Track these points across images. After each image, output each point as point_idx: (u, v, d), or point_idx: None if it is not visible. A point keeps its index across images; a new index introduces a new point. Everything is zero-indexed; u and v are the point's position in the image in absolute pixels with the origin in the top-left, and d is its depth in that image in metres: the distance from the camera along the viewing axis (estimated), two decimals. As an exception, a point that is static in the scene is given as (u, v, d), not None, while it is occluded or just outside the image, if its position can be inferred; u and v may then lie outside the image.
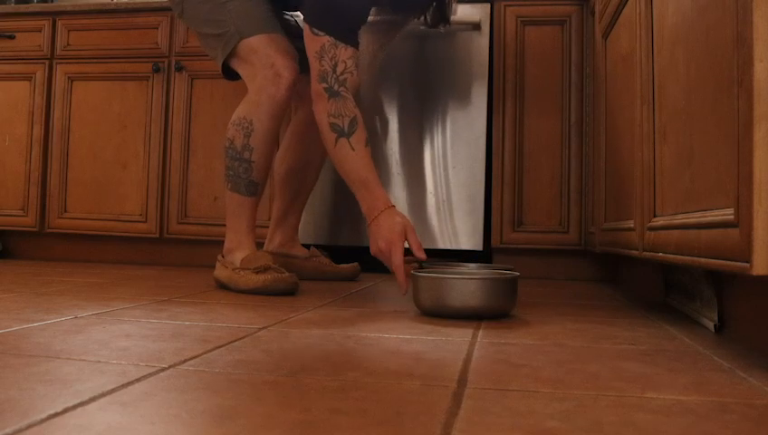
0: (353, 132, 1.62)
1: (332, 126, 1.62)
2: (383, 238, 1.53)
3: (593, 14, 2.16)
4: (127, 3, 2.77)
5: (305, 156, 2.07)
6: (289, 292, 1.63)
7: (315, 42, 1.65)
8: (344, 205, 2.42)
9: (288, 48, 1.79)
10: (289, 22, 2.00)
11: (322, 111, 1.63)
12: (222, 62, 1.83)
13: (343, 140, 1.61)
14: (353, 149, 1.61)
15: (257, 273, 1.64)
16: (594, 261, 2.30)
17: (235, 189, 1.77)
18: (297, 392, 0.71)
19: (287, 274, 1.65)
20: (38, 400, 0.65)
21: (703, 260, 0.96)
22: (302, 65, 1.98)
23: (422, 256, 1.52)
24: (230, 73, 1.87)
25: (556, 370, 0.85)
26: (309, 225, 2.43)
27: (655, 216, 1.29)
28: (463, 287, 1.28)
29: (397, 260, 1.49)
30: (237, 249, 1.76)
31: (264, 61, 1.75)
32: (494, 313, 1.29)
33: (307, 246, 2.15)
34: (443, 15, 1.94)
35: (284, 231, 2.11)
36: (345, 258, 2.18)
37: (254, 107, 1.75)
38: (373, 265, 2.36)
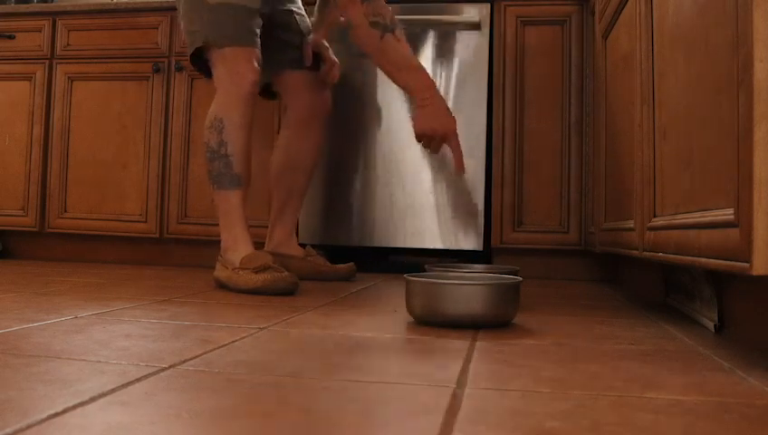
0: (395, 27, 1.81)
1: (374, 24, 1.78)
2: (440, 121, 1.76)
3: (593, 14, 2.16)
4: (127, 3, 2.77)
5: (296, 154, 2.10)
6: (288, 292, 1.63)
7: None
8: (342, 205, 2.42)
9: (256, 57, 1.86)
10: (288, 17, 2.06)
11: (358, 13, 1.78)
12: (190, 57, 1.93)
13: (389, 35, 1.79)
14: (399, 41, 1.80)
15: (256, 272, 1.64)
16: (594, 261, 2.30)
17: (220, 187, 1.81)
18: (297, 392, 0.71)
19: (286, 273, 1.65)
20: (38, 400, 0.65)
21: (703, 260, 0.96)
22: (290, 61, 2.04)
23: (461, 169, 1.77)
24: (200, 66, 1.95)
25: (556, 370, 0.85)
26: (306, 224, 2.43)
27: (655, 216, 1.29)
28: (458, 294, 1.17)
29: (456, 141, 1.75)
30: (233, 248, 1.77)
31: (229, 68, 1.84)
32: (492, 322, 1.18)
33: (303, 246, 2.15)
34: None
35: (281, 230, 2.11)
36: (342, 258, 2.18)
37: (222, 106, 1.84)
38: (370, 265, 2.37)
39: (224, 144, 1.80)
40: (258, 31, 1.90)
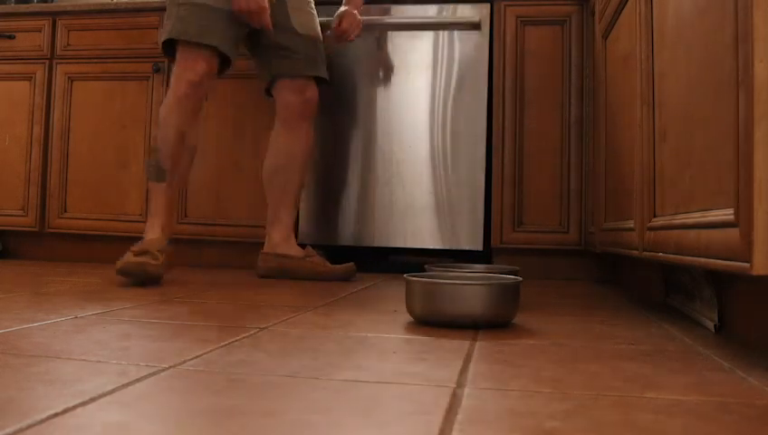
0: None
1: None
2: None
3: (593, 14, 2.16)
4: (127, 3, 2.77)
5: (285, 155, 2.13)
6: (138, 281, 1.69)
7: None
8: (342, 205, 2.42)
9: (205, 57, 1.92)
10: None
11: None
12: (162, 45, 2.00)
13: None
14: None
15: (135, 256, 1.74)
16: (594, 261, 2.30)
17: (150, 178, 1.95)
18: (297, 392, 0.71)
19: (143, 259, 1.71)
20: (38, 400, 0.65)
21: (703, 260, 0.96)
22: (279, 65, 2.10)
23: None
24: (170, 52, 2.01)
25: (556, 370, 0.85)
26: (307, 225, 2.43)
27: (655, 216, 1.29)
28: (458, 294, 1.17)
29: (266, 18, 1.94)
30: (148, 231, 1.90)
31: (177, 65, 1.94)
32: (492, 322, 1.18)
33: (304, 246, 2.15)
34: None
35: (279, 231, 2.12)
36: (342, 258, 2.18)
37: (163, 103, 1.96)
38: (370, 265, 2.37)
39: (155, 138, 1.95)
40: (229, 32, 1.93)
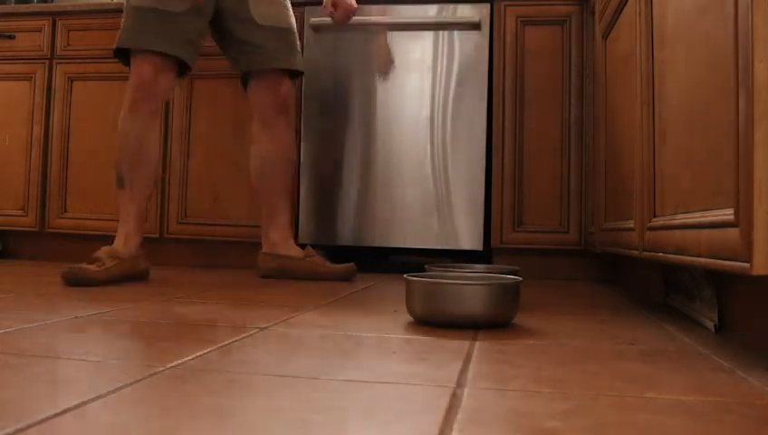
0: None
1: None
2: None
3: (593, 14, 2.16)
4: (127, 3, 2.77)
5: (267, 155, 2.10)
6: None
7: None
8: (342, 205, 2.41)
9: (154, 63, 1.90)
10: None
11: None
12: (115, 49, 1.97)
13: None
14: None
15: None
16: (594, 261, 2.30)
17: (115, 185, 1.95)
18: (297, 393, 0.71)
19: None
20: (38, 400, 0.65)
21: (703, 260, 0.96)
22: (248, 61, 2.06)
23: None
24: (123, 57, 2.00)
25: (556, 370, 0.85)
26: (307, 225, 2.43)
27: (655, 216, 1.29)
28: (458, 294, 1.17)
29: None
30: (115, 238, 1.89)
31: (132, 71, 1.92)
32: (492, 322, 1.18)
33: (304, 246, 2.15)
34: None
35: (276, 232, 2.10)
36: (342, 258, 2.18)
37: (121, 112, 1.95)
38: (370, 265, 2.37)
39: (116, 149, 1.94)
40: (178, 34, 1.91)
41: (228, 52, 2.10)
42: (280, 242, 2.10)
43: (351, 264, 2.07)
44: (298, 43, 2.12)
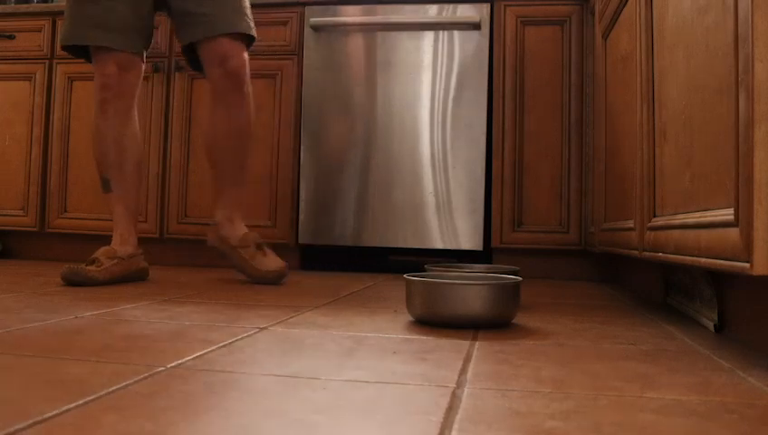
0: None
1: None
2: None
3: (593, 14, 2.16)
4: (127, 3, 2.77)
5: (218, 130, 1.93)
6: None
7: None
8: (342, 205, 2.42)
9: (120, 54, 1.84)
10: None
11: None
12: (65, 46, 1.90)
13: None
14: None
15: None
16: (594, 261, 2.30)
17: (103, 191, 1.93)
18: (297, 393, 0.71)
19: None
20: (38, 400, 0.65)
21: (703, 260, 0.96)
22: (196, 32, 1.88)
23: None
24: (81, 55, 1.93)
25: (556, 370, 0.85)
26: (307, 224, 2.43)
27: (655, 216, 1.29)
28: (458, 294, 1.17)
29: None
30: (113, 238, 1.87)
31: (98, 69, 1.86)
32: (492, 322, 1.18)
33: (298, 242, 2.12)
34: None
35: (221, 210, 1.97)
36: (342, 258, 2.18)
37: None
38: (370, 265, 2.37)
39: (95, 153, 1.91)
40: (119, 21, 1.81)
41: (176, 30, 1.95)
42: (223, 221, 1.96)
43: (283, 264, 1.90)
44: (247, 6, 1.91)
